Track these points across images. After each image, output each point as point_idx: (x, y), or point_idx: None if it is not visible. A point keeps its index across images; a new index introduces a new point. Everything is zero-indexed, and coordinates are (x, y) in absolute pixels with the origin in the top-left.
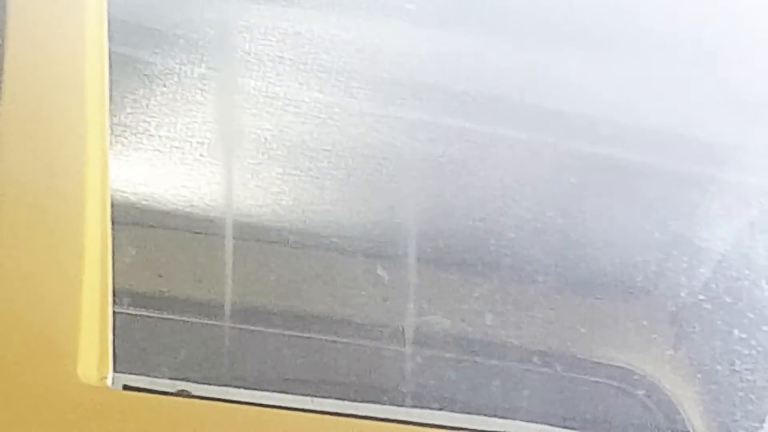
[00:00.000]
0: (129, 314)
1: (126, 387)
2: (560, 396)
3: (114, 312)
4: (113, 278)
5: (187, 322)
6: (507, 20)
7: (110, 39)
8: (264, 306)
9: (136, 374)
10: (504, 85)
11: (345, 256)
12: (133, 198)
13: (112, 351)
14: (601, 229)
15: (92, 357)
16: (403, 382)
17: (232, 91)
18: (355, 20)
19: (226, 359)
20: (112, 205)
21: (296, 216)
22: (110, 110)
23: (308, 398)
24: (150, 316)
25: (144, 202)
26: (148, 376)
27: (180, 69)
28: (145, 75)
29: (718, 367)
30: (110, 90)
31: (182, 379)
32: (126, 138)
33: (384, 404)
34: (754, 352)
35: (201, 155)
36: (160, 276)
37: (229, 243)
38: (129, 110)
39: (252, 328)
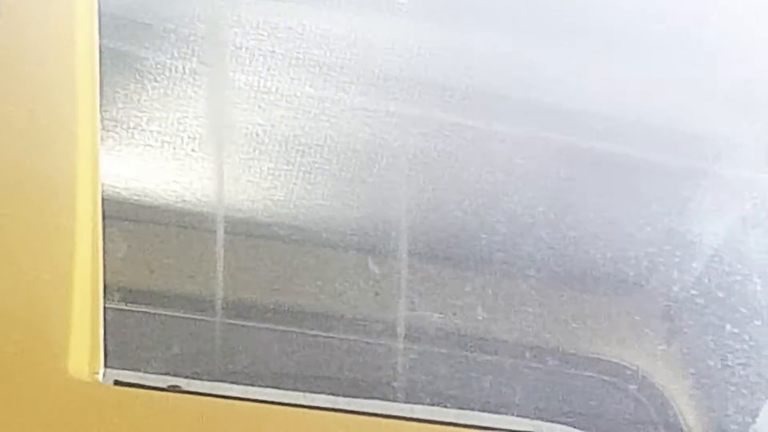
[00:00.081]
0: (120, 310)
1: (117, 382)
2: (552, 391)
3: (105, 307)
4: (104, 274)
5: (179, 317)
6: (499, 15)
7: (101, 34)
8: (255, 301)
9: (127, 370)
10: (496, 80)
11: (336, 250)
12: (124, 193)
13: (103, 346)
14: (593, 224)
15: (83, 352)
16: (395, 377)
17: (224, 86)
18: (347, 15)
19: (217, 354)
20: (103, 201)
21: (288, 211)
22: (101, 105)
23: (300, 393)
24: (141, 312)
25: (135, 198)
26: (140, 371)
27: (171, 64)
28: (136, 70)
29: (711, 362)
30: (101, 85)
31: (173, 375)
32: (117, 133)
33: (376, 399)
34: (746, 346)
35: (192, 150)
36: (152, 271)
37: (221, 238)
38: (120, 105)
39: (243, 323)
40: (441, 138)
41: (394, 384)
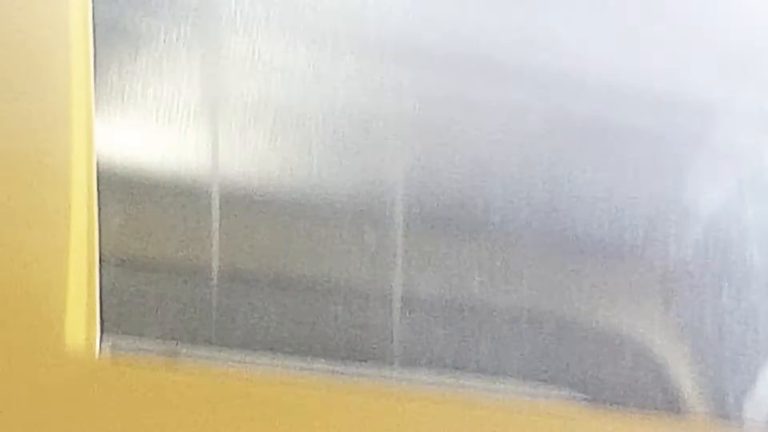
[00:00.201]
0: (116, 279)
1: (114, 351)
2: (549, 357)
3: (101, 277)
4: (100, 243)
5: (175, 286)
6: None
7: (95, 3)
8: (251, 270)
9: (124, 339)
10: (491, 47)
11: (332, 219)
12: (119, 163)
13: (99, 317)
14: (589, 191)
15: (80, 322)
16: (392, 344)
17: (218, 56)
18: None
19: (214, 322)
20: (98, 171)
21: (283, 179)
22: (95, 76)
23: (296, 360)
24: (138, 281)
25: (130, 168)
26: (137, 340)
27: (165, 34)
28: (131, 40)
29: (708, 328)
30: (95, 54)
31: (171, 343)
32: (111, 103)
33: (372, 366)
34: (743, 311)
35: (187, 120)
36: (148, 241)
37: (216, 207)
38: (114, 76)
39: (240, 292)
40: (437, 106)
41: (391, 351)
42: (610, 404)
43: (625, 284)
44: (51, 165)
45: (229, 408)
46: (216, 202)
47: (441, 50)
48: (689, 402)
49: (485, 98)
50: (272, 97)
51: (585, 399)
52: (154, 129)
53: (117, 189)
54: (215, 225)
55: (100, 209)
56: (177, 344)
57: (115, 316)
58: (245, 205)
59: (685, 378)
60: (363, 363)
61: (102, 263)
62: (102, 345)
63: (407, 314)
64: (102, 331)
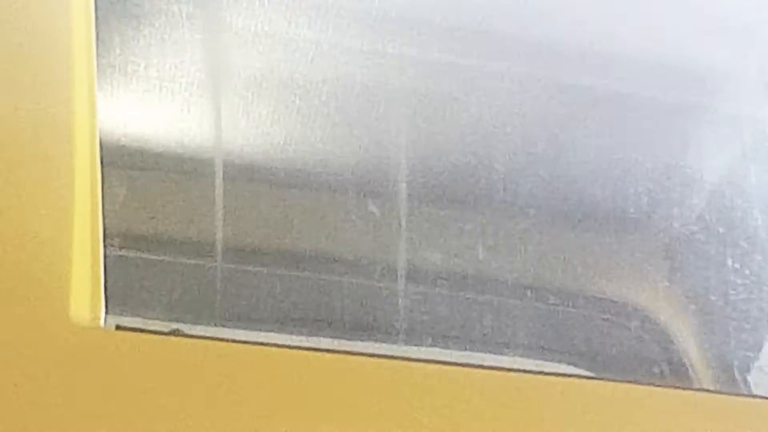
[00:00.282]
0: (120, 255)
1: (119, 327)
2: (554, 330)
3: (105, 253)
4: (104, 220)
5: (179, 262)
6: None
7: None
8: (256, 245)
9: (128, 315)
10: (493, 18)
11: (336, 193)
12: (122, 139)
13: (104, 292)
14: (592, 162)
15: (84, 298)
16: (396, 319)
17: (221, 30)
18: None
19: (218, 298)
20: (101, 147)
21: (286, 154)
22: (97, 51)
23: (301, 336)
24: (141, 257)
25: (133, 143)
26: (141, 316)
27: (168, 8)
28: (133, 15)
29: (712, 298)
30: (97, 31)
31: (175, 319)
32: (114, 79)
33: (377, 341)
34: (748, 281)
35: (190, 95)
36: (151, 216)
37: (219, 182)
38: (117, 51)
39: (244, 267)
40: (439, 78)
41: (395, 325)
42: (615, 376)
43: (630, 255)
44: (54, 140)
45: (234, 377)
46: (219, 177)
47: (443, 22)
48: (695, 373)
49: (488, 69)
50: (275, 70)
51: (590, 371)
52: (157, 103)
53: (120, 164)
54: (219, 199)
55: (103, 184)
56: (180, 324)
57: (119, 293)
58: (249, 180)
59: (690, 349)
60: (368, 338)
61: (105, 239)
62: (106, 323)
63: (411, 288)
64: (106, 308)
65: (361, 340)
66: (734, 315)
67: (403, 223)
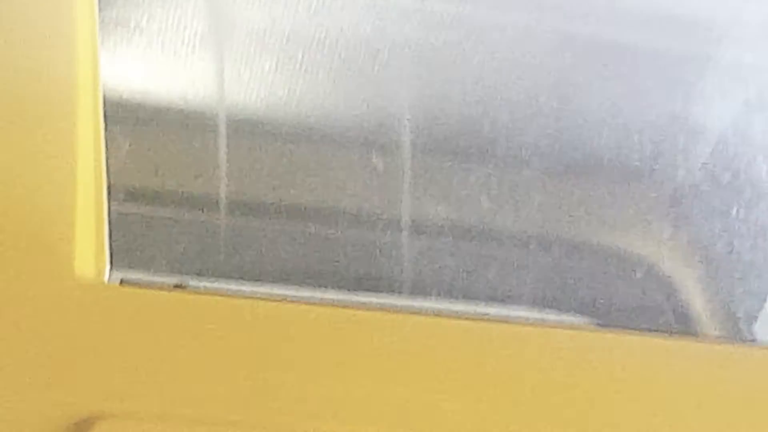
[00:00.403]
0: (124, 210)
1: (123, 282)
2: (559, 280)
3: (109, 208)
4: (108, 175)
5: (183, 216)
6: None
7: None
8: (260, 199)
9: (133, 270)
10: None
11: (340, 146)
12: (125, 94)
13: (108, 247)
14: (596, 112)
15: (89, 253)
16: (401, 271)
17: None
18: None
19: (222, 253)
20: (105, 102)
21: (290, 107)
22: (99, 6)
23: (306, 289)
24: (145, 212)
25: (136, 98)
26: (145, 271)
27: None
28: None
29: (717, 247)
30: None
31: (179, 274)
32: (117, 33)
33: (382, 293)
34: (752, 230)
35: (193, 49)
36: (155, 171)
37: (223, 136)
38: (119, 5)
39: (248, 221)
40: (442, 30)
41: (400, 277)
42: (621, 327)
43: (634, 205)
44: (57, 95)
45: (238, 331)
46: (223, 132)
47: None
48: (699, 322)
49: (491, 22)
50: (278, 24)
51: (594, 321)
52: (160, 59)
53: (123, 119)
54: (222, 154)
55: (106, 139)
56: (185, 278)
57: (123, 248)
58: (252, 134)
59: (695, 299)
60: (372, 290)
61: (109, 194)
62: (111, 278)
63: (416, 241)
64: (111, 263)
65: (366, 293)
66: (739, 264)
67: (407, 175)
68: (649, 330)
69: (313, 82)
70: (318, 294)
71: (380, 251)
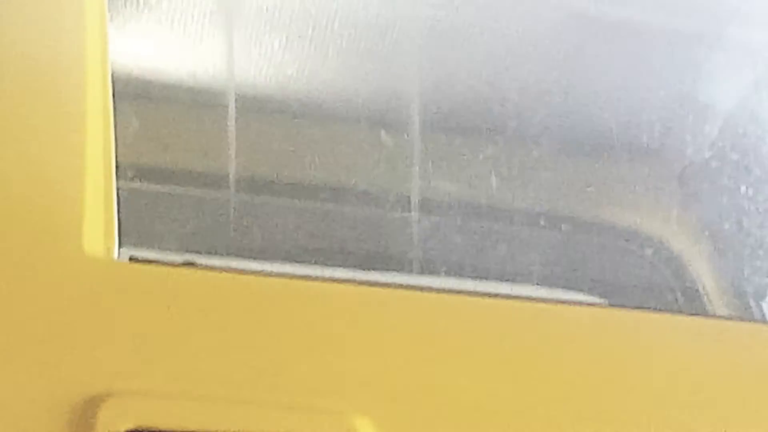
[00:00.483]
0: (133, 187)
1: (132, 259)
2: (568, 258)
3: (118, 186)
4: (117, 152)
5: (192, 193)
6: None
7: None
8: (269, 176)
9: (142, 247)
10: None
11: (349, 123)
12: (134, 71)
13: (117, 224)
14: (606, 90)
15: (98, 230)
16: (410, 248)
17: None
18: None
19: (231, 230)
20: (113, 79)
21: (299, 85)
22: None
23: (314, 266)
24: (154, 189)
25: (146, 75)
26: (155, 248)
27: None
28: None
29: (726, 225)
30: None
31: (188, 251)
32: (126, 10)
33: (391, 271)
34: (761, 208)
35: (202, 26)
36: (164, 148)
37: (232, 114)
38: None
39: (257, 198)
40: (452, 8)
41: (409, 255)
42: (629, 304)
43: (643, 183)
44: (66, 72)
45: (248, 308)
46: (232, 109)
47: None
48: (708, 300)
49: (500, 0)
50: (287, 2)
51: (603, 299)
52: (169, 35)
53: (132, 96)
54: (231, 131)
55: (115, 117)
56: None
57: (132, 225)
58: (261, 111)
59: (704, 276)
60: (382, 268)
61: (118, 171)
62: (120, 255)
63: (425, 218)
64: (120, 240)
65: (375, 271)
66: (748, 242)
67: (417, 153)
68: (658, 307)
69: (322, 60)
70: (327, 272)
71: (390, 229)
